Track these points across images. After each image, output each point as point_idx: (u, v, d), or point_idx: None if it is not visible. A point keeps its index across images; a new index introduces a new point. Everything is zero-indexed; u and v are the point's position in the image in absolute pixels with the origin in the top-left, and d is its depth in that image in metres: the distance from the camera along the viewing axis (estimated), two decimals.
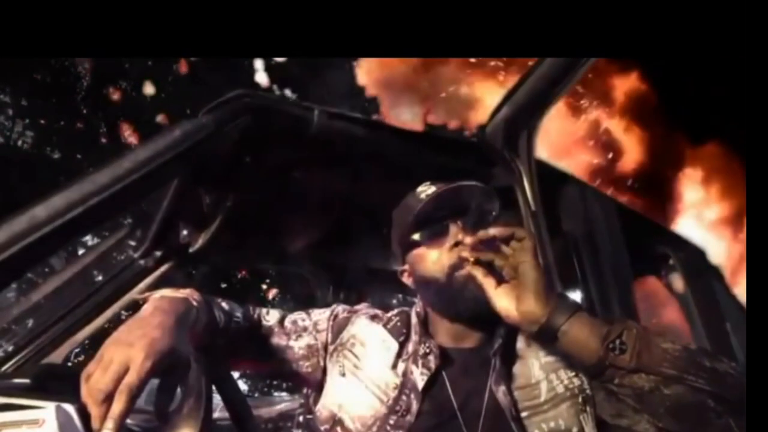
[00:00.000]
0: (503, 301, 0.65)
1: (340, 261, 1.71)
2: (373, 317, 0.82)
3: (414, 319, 0.79)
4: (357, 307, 0.87)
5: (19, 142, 6.30)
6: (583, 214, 1.18)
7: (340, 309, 0.85)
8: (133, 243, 1.44)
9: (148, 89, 6.56)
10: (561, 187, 1.22)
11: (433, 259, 0.74)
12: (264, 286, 7.22)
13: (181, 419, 0.57)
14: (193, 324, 0.65)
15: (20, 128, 6.33)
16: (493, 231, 0.67)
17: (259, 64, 7.25)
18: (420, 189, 0.79)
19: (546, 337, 0.63)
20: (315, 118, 0.91)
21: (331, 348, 0.80)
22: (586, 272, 1.12)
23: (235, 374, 0.91)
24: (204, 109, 0.84)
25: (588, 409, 0.67)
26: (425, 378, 0.71)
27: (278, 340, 0.80)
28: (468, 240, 0.69)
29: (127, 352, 0.52)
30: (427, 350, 0.74)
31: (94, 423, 0.49)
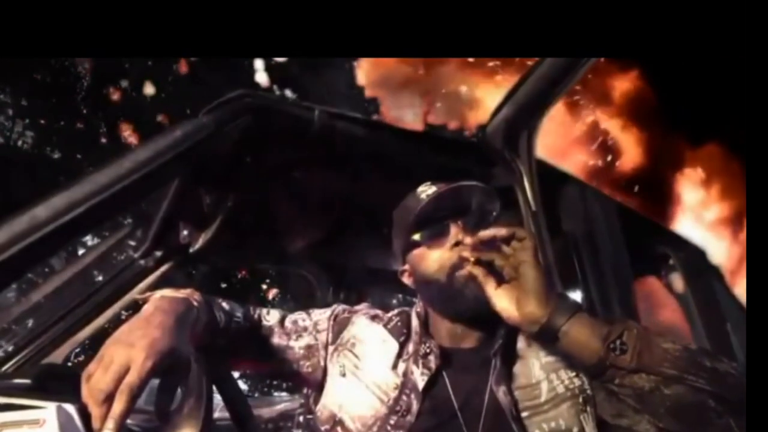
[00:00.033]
0: (503, 301, 0.65)
1: (340, 261, 1.71)
2: (374, 317, 0.82)
3: (414, 319, 0.79)
4: (357, 307, 0.87)
5: (19, 142, 6.31)
6: (584, 214, 1.18)
7: (341, 309, 0.85)
8: (133, 243, 1.44)
9: (148, 89, 6.56)
10: (561, 187, 1.22)
11: (434, 259, 0.74)
12: (264, 286, 7.23)
13: (182, 419, 0.57)
14: (194, 324, 0.65)
15: (20, 128, 6.33)
16: (493, 231, 0.67)
17: (259, 64, 7.25)
18: (420, 189, 0.79)
19: (546, 338, 0.63)
20: (315, 118, 0.91)
21: (331, 348, 0.80)
22: (587, 272, 1.12)
23: (235, 374, 0.91)
24: (204, 109, 0.84)
25: (588, 409, 0.66)
26: (426, 378, 0.71)
27: (278, 340, 0.80)
28: (468, 240, 0.69)
29: (127, 352, 0.52)
30: (428, 350, 0.74)
31: (95, 423, 0.49)
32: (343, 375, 0.76)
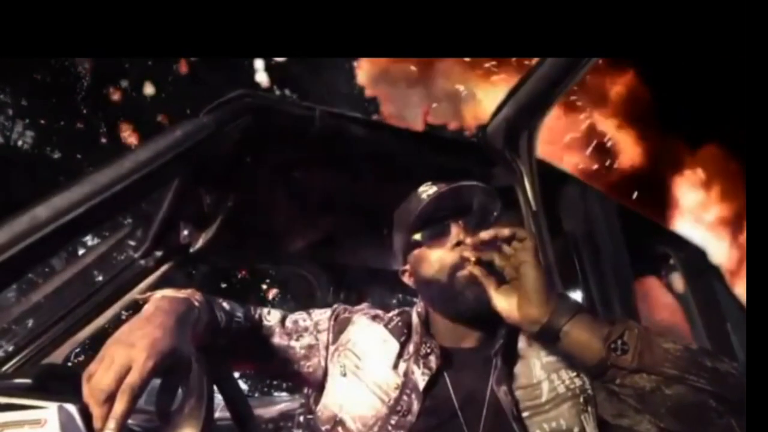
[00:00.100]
0: (504, 301, 0.65)
1: (340, 261, 1.70)
2: (374, 317, 0.82)
3: (415, 319, 0.79)
4: (358, 307, 0.87)
5: (19, 142, 6.31)
6: (584, 214, 1.18)
7: (341, 309, 0.85)
8: (133, 243, 1.44)
9: (148, 89, 6.57)
10: (562, 187, 1.22)
11: (435, 259, 0.74)
12: (264, 286, 7.23)
13: (183, 419, 0.57)
14: (195, 324, 0.65)
15: (20, 128, 6.33)
16: (494, 231, 0.67)
17: (259, 64, 7.25)
18: (421, 189, 0.79)
19: (547, 338, 0.63)
20: (316, 118, 0.91)
21: (332, 348, 0.80)
22: (587, 272, 1.12)
23: (236, 374, 0.91)
24: (205, 109, 0.84)
25: (589, 409, 0.67)
26: (426, 378, 0.71)
27: (279, 340, 0.80)
28: (469, 240, 0.69)
29: (128, 352, 0.52)
30: (429, 350, 0.74)
31: (96, 423, 0.49)
32: (344, 375, 0.76)
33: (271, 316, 0.83)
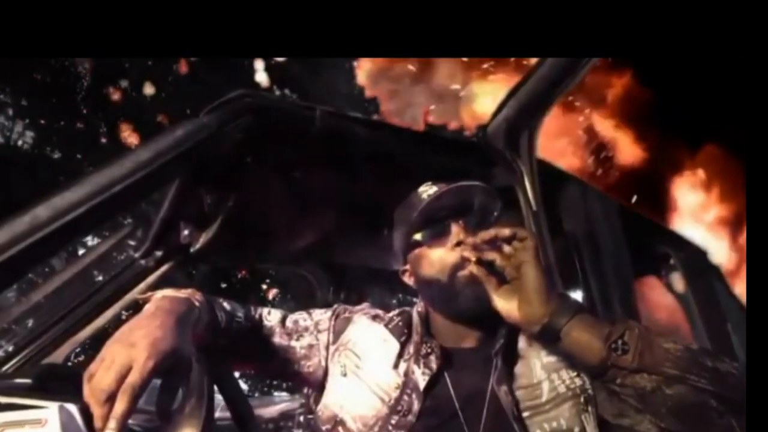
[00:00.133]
0: (504, 301, 0.65)
1: (340, 261, 1.70)
2: (375, 317, 0.82)
3: (415, 319, 0.79)
4: (358, 307, 0.87)
5: (19, 142, 6.31)
6: (584, 213, 1.18)
7: (342, 309, 0.85)
8: (133, 243, 1.44)
9: (148, 89, 6.57)
10: (562, 187, 1.22)
11: (435, 259, 0.74)
12: (264, 286, 7.24)
13: (183, 419, 0.57)
14: (195, 324, 0.65)
15: (20, 128, 6.34)
16: (494, 231, 0.67)
17: (259, 64, 7.26)
18: (422, 189, 0.79)
19: (548, 338, 0.63)
20: (317, 117, 0.91)
21: (332, 348, 0.80)
22: (587, 272, 1.12)
23: (236, 374, 0.91)
24: (205, 109, 0.84)
25: (590, 409, 0.67)
26: (427, 378, 0.71)
27: (280, 340, 0.80)
28: (470, 240, 0.69)
29: (129, 352, 0.52)
30: (429, 350, 0.74)
31: (97, 423, 0.49)
32: (344, 375, 0.76)
33: (271, 316, 0.83)
